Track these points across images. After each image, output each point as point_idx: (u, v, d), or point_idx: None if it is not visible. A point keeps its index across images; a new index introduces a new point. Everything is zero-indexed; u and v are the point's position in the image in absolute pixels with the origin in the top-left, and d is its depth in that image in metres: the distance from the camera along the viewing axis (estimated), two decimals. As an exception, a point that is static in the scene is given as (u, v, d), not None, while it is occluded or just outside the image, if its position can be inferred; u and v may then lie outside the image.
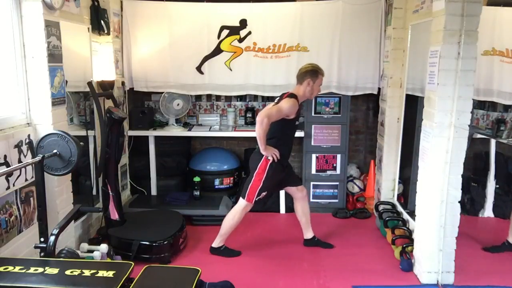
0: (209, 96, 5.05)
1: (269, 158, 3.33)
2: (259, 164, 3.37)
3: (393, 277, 3.25)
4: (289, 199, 4.53)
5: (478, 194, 4.50)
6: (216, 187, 4.70)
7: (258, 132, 3.19)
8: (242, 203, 3.49)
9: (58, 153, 2.68)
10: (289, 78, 4.50)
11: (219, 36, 4.53)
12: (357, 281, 3.17)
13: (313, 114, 4.52)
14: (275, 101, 3.47)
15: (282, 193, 4.55)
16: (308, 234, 3.77)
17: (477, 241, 3.81)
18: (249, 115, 4.93)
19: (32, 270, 2.14)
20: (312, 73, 3.38)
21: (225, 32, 4.52)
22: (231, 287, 2.75)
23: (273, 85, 4.59)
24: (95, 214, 3.86)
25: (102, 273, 2.13)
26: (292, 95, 3.34)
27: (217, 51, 4.56)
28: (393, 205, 4.23)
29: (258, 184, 3.40)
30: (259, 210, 4.50)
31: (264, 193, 3.44)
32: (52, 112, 2.92)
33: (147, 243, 3.37)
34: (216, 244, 3.58)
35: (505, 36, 4.34)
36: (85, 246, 3.13)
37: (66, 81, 3.14)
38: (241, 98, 5.04)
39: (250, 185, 3.42)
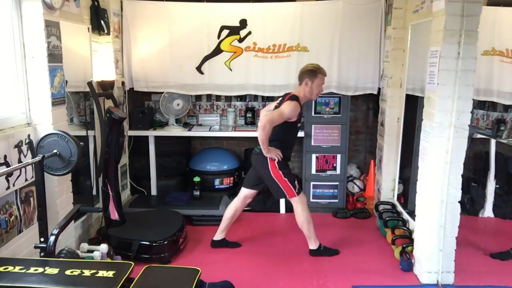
0: (209, 96, 5.05)
1: (273, 158, 3.36)
2: (269, 168, 3.39)
3: (393, 277, 3.25)
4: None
5: (478, 194, 4.50)
6: (216, 187, 4.70)
7: (260, 137, 3.23)
8: (294, 202, 3.50)
9: (58, 153, 2.68)
10: (289, 78, 4.50)
11: (219, 36, 4.53)
12: (357, 281, 3.17)
13: (313, 114, 4.52)
14: (278, 101, 3.47)
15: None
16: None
17: (477, 241, 3.81)
18: (249, 115, 4.93)
19: (32, 270, 2.14)
20: (310, 72, 3.38)
21: (225, 32, 4.52)
22: (231, 287, 2.75)
23: (273, 85, 4.59)
24: (95, 214, 3.85)
25: (102, 273, 2.13)
26: (293, 98, 3.34)
27: (217, 51, 4.56)
28: (393, 205, 4.23)
29: (285, 181, 3.42)
30: (259, 210, 4.51)
31: (296, 182, 3.46)
32: (52, 112, 2.92)
33: (147, 243, 3.37)
34: (312, 246, 3.59)
35: (505, 36, 4.35)
36: (85, 246, 3.13)
37: (66, 81, 3.14)
38: (241, 98, 5.04)
39: (281, 187, 3.43)
